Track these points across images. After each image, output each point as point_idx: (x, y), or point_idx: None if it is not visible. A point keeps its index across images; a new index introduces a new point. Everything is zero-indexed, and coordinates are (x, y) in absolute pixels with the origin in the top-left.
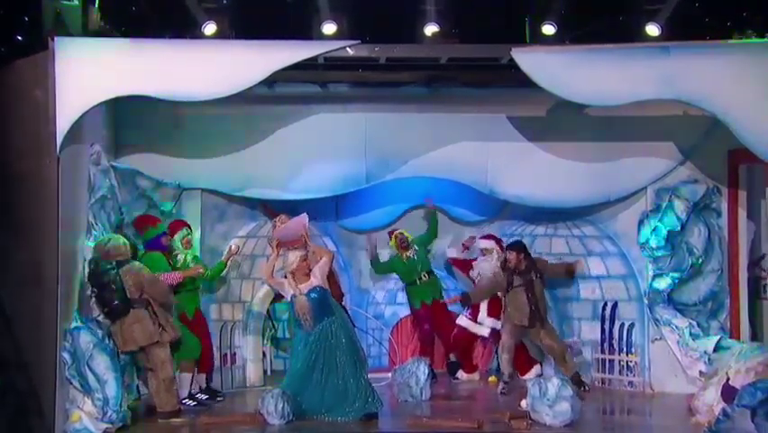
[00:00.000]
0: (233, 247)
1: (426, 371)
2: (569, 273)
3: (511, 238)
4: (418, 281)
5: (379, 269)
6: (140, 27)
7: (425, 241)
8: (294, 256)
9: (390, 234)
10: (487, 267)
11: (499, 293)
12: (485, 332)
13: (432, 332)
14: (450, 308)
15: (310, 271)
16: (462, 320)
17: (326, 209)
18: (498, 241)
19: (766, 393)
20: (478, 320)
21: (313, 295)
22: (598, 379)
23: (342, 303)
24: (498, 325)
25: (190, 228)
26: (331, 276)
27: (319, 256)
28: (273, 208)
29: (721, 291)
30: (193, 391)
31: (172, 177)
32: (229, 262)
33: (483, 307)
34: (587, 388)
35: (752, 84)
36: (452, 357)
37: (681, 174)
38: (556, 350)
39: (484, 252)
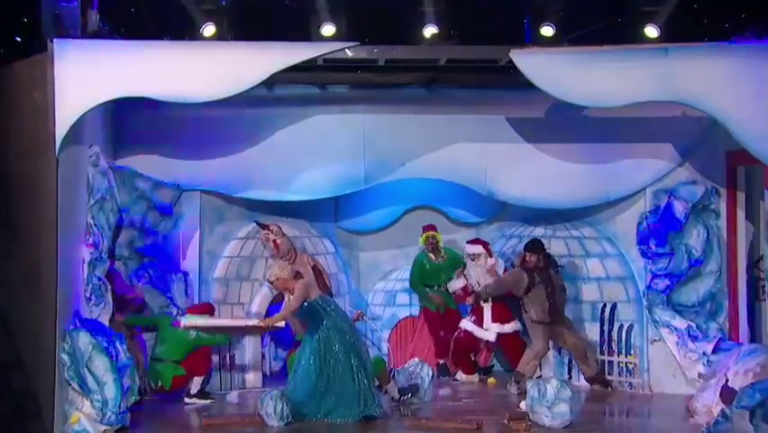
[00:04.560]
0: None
1: (430, 373)
2: None
3: (510, 239)
4: (436, 287)
5: (414, 283)
6: (139, 29)
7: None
8: (276, 269)
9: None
10: (479, 272)
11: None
12: (491, 337)
13: (447, 337)
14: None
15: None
16: (467, 324)
17: (325, 210)
18: (486, 244)
19: (765, 395)
20: (483, 326)
21: (299, 313)
22: None
23: None
24: (504, 329)
25: None
26: (318, 275)
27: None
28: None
29: (720, 293)
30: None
31: (171, 178)
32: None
33: (488, 312)
34: (611, 388)
35: (750, 85)
36: (441, 361)
37: (679, 175)
38: (579, 347)
39: (472, 257)
